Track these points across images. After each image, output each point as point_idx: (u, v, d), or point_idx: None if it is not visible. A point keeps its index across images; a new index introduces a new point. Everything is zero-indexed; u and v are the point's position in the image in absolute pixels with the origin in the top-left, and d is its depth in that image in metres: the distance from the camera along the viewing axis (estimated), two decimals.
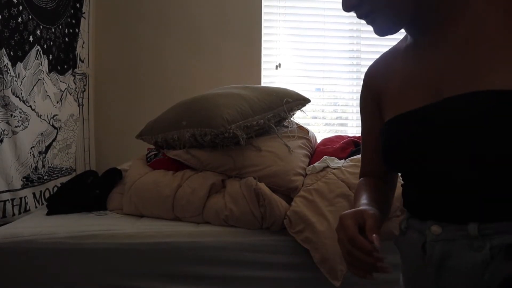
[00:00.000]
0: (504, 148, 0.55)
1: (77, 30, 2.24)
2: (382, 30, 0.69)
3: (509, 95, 0.54)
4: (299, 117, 1.91)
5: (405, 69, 0.72)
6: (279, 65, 2.66)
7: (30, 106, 1.77)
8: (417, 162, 0.66)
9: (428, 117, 0.64)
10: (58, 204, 1.64)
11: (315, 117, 2.76)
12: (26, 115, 1.73)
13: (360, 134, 1.95)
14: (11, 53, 1.62)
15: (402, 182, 0.76)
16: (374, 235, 0.62)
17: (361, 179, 0.87)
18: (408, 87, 0.69)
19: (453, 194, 0.62)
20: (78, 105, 2.32)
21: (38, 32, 1.82)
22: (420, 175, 0.68)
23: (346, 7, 0.69)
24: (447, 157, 0.61)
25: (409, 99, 0.68)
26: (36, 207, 1.78)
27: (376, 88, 0.80)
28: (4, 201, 1.57)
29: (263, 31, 2.62)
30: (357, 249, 0.63)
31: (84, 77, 2.36)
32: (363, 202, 0.73)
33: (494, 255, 0.57)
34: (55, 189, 1.96)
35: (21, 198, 1.67)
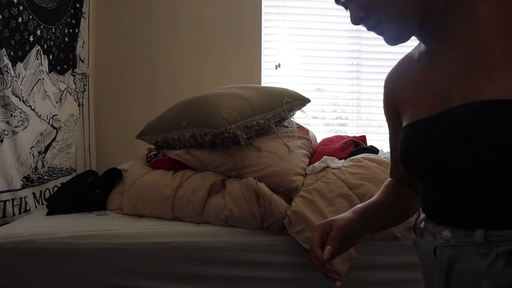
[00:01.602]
0: (504, 157, 0.57)
1: (77, 30, 2.24)
2: (392, 40, 0.69)
3: (504, 104, 0.55)
4: (299, 117, 1.91)
5: (418, 76, 0.73)
6: (279, 65, 2.66)
7: (30, 106, 1.77)
8: (428, 169, 0.68)
9: (435, 126, 0.65)
10: (58, 204, 1.64)
11: (315, 117, 2.76)
12: (26, 115, 1.73)
13: (360, 134, 1.97)
14: (11, 53, 1.62)
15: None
16: (328, 247, 0.72)
17: (387, 179, 0.90)
18: (421, 94, 0.70)
19: (462, 200, 0.63)
20: (78, 105, 2.32)
21: (38, 32, 1.82)
22: (432, 181, 0.70)
23: (354, 20, 0.69)
24: (454, 165, 0.62)
25: (422, 106, 0.69)
26: (36, 207, 1.78)
27: (394, 95, 0.81)
28: (4, 201, 1.57)
29: (263, 31, 2.62)
30: (315, 258, 0.76)
31: (84, 77, 2.36)
32: (356, 208, 0.81)
33: (498, 261, 0.58)
34: (55, 189, 1.95)
35: (21, 198, 1.67)
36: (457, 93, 0.62)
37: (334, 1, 0.74)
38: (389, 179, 0.90)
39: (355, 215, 0.77)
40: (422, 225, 0.74)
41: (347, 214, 0.78)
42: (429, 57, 0.71)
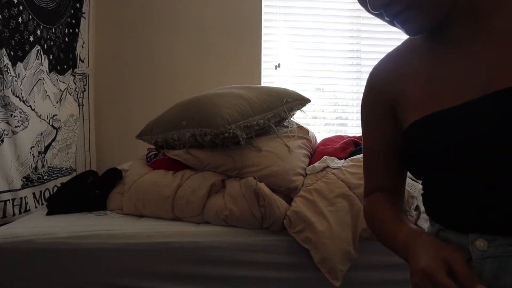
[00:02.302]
0: None
1: (77, 30, 2.24)
2: (415, 30, 0.61)
3: None
4: (299, 117, 1.91)
5: (428, 65, 0.66)
6: (279, 65, 2.66)
7: (30, 106, 1.77)
8: (455, 167, 0.59)
9: (470, 115, 0.57)
10: (58, 204, 1.64)
11: (315, 117, 2.76)
12: (26, 115, 1.73)
13: (360, 134, 1.96)
14: (11, 53, 1.62)
15: (423, 191, 0.70)
16: (479, 285, 0.49)
17: (372, 196, 0.77)
18: (437, 85, 0.63)
19: (503, 200, 0.55)
20: (78, 105, 2.32)
21: (38, 32, 1.82)
22: (456, 182, 0.60)
23: (376, 5, 0.59)
24: (498, 156, 0.54)
25: (439, 98, 0.61)
26: (36, 207, 1.78)
27: (389, 92, 0.71)
28: (5, 201, 1.57)
29: (263, 31, 2.62)
30: None
31: (84, 77, 2.36)
32: (411, 228, 0.63)
33: None
34: (55, 189, 1.96)
35: (21, 198, 1.67)
36: (501, 78, 0.55)
37: None
38: (375, 194, 0.76)
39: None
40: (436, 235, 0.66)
41: (434, 239, 0.59)
42: (449, 45, 0.63)
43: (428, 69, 0.66)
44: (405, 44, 0.74)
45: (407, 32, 0.62)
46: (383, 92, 0.73)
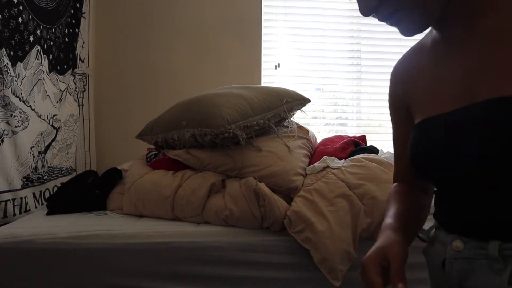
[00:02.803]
0: None
1: (77, 30, 2.24)
2: (410, 30, 0.61)
3: None
4: (299, 117, 1.91)
5: (432, 67, 0.66)
6: (278, 65, 2.66)
7: (30, 106, 1.77)
8: (442, 171, 0.61)
9: (455, 122, 0.58)
10: (58, 204, 1.64)
11: (315, 117, 2.76)
12: (26, 115, 1.73)
13: (360, 134, 1.96)
14: (11, 53, 1.62)
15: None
16: (400, 284, 0.52)
17: (394, 185, 0.80)
18: (437, 87, 0.63)
19: (477, 205, 0.57)
20: (78, 105, 2.32)
21: (38, 32, 1.82)
22: (445, 184, 0.63)
23: (366, 10, 0.60)
24: (473, 167, 0.56)
25: (438, 100, 0.62)
26: (36, 207, 1.78)
27: (403, 88, 0.73)
28: (5, 201, 1.57)
29: (263, 31, 2.63)
30: None
31: (84, 77, 2.36)
32: (393, 225, 0.65)
33: None
34: (55, 189, 1.96)
35: (21, 198, 1.67)
36: (484, 87, 0.55)
37: None
38: (397, 183, 0.80)
39: (400, 235, 0.62)
40: (432, 232, 0.68)
41: (391, 235, 0.61)
42: (445, 47, 0.64)
43: (432, 68, 0.66)
44: (424, 38, 0.73)
45: (402, 33, 0.62)
46: (399, 88, 0.75)
